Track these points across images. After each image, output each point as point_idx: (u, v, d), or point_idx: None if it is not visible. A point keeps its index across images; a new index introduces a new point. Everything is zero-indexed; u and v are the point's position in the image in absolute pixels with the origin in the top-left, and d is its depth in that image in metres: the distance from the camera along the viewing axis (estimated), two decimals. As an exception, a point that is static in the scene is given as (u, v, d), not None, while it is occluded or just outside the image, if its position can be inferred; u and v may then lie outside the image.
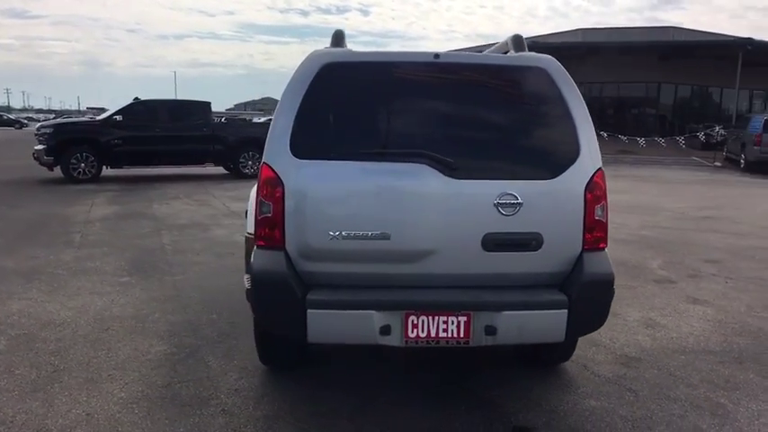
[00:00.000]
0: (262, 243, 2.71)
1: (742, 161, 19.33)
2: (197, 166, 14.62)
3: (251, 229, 2.96)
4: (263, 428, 2.86)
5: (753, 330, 4.37)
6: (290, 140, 2.66)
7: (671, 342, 4.11)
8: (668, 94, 32.25)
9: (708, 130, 24.69)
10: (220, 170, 14.97)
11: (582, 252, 2.72)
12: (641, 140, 24.57)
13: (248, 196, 3.29)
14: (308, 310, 2.57)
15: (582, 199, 2.70)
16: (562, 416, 3.05)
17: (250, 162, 14.43)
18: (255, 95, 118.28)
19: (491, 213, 2.64)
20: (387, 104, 2.76)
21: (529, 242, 2.67)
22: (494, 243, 2.65)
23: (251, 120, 28.81)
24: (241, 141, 14.47)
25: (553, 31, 35.57)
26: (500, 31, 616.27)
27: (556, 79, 2.74)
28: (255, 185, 2.81)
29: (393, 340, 2.63)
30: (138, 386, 3.30)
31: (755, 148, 18.11)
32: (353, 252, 2.66)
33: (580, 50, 28.90)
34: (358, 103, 2.75)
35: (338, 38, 2.97)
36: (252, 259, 2.71)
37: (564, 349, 3.41)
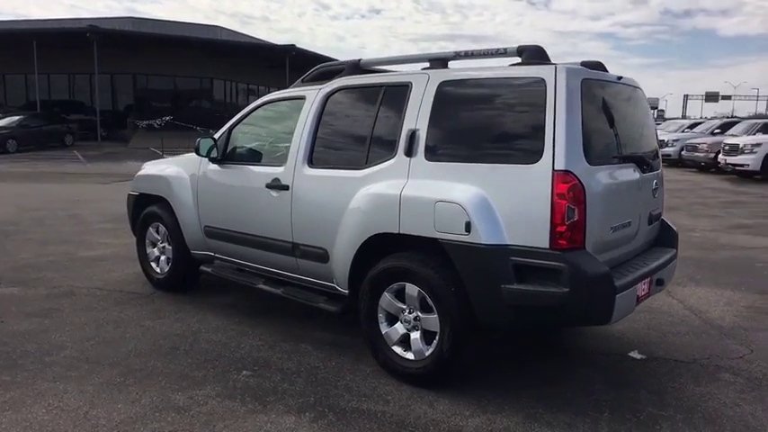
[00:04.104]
0: (566, 245, 2.84)
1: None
2: None
3: (506, 238, 2.96)
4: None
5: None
6: (583, 149, 2.89)
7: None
8: (221, 90, 34.74)
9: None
10: None
11: (661, 218, 3.96)
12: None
13: None
14: (617, 296, 2.94)
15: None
16: (635, 340, 4.23)
17: None
18: None
19: (650, 197, 3.58)
20: (612, 116, 3.25)
21: (659, 215, 3.74)
22: (652, 218, 3.60)
23: None
24: None
25: (101, 16, 32.74)
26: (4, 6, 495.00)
27: (644, 95, 3.83)
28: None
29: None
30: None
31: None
32: (616, 240, 3.14)
33: (136, 40, 28.04)
34: (599, 114, 3.15)
35: (543, 53, 3.18)
36: (569, 261, 2.80)
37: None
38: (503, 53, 3.36)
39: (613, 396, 3.32)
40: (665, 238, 3.89)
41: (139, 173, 5.42)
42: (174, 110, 28.66)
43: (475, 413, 3.11)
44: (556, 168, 2.86)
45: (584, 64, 3.69)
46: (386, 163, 3.48)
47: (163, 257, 5.20)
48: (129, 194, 5.49)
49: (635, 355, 3.94)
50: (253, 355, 3.85)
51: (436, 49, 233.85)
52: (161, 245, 5.20)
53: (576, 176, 2.86)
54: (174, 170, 4.98)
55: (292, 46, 28.45)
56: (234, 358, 3.78)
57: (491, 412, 3.12)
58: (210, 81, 33.36)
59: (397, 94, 3.56)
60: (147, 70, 30.76)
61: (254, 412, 3.10)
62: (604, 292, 2.89)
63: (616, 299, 2.94)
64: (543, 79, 2.99)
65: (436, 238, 3.17)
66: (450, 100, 3.32)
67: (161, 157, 22.98)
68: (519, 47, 3.28)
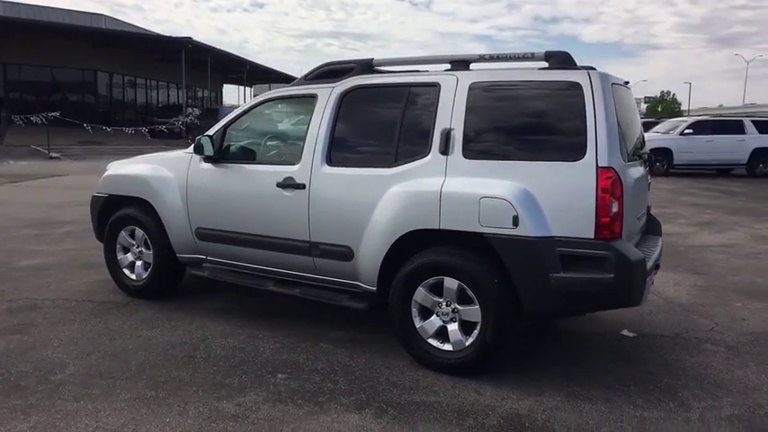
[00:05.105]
0: (608, 235, 3.11)
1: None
2: None
3: (571, 230, 3.18)
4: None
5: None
6: (619, 146, 3.18)
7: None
8: (105, 84, 32.23)
9: (173, 121, 26.87)
10: None
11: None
12: (109, 129, 24.40)
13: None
14: (647, 279, 3.27)
15: None
16: (618, 319, 4.64)
17: None
18: None
19: (647, 189, 3.98)
20: (626, 116, 3.56)
21: (650, 206, 4.16)
22: (647, 209, 4.01)
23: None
24: None
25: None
26: None
27: None
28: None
29: (647, 290, 3.63)
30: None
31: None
32: (636, 230, 3.47)
33: (7, 26, 25.34)
34: (621, 114, 3.42)
35: (570, 58, 3.41)
36: (614, 249, 3.08)
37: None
38: (530, 57, 3.57)
39: (629, 371, 3.67)
40: (651, 226, 4.33)
41: (108, 173, 5.03)
42: (52, 104, 26.29)
43: (521, 396, 3.30)
44: (599, 165, 3.12)
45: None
46: (419, 161, 3.56)
47: (139, 263, 4.87)
48: (95, 196, 5.08)
49: (627, 333, 4.35)
50: (277, 357, 3.76)
51: (322, 45, 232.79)
52: (137, 249, 4.87)
53: (616, 172, 3.14)
54: (155, 169, 4.69)
55: (189, 39, 27.14)
56: (259, 363, 3.68)
57: (535, 394, 3.33)
58: (94, 73, 30.86)
59: (425, 94, 3.65)
60: (19, 60, 27.84)
61: (313, 413, 3.07)
62: (641, 275, 3.21)
63: (646, 281, 3.28)
64: (579, 83, 3.24)
65: (481, 233, 3.31)
66: (484, 101, 3.47)
67: (47, 155, 21.15)
68: (546, 52, 3.50)
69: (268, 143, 4.45)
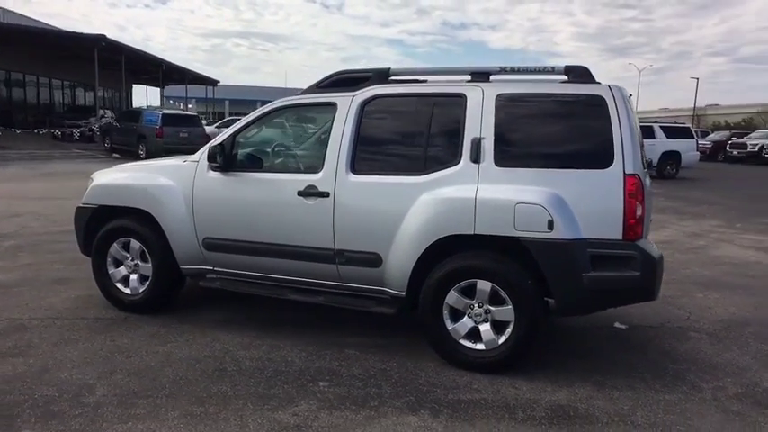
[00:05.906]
0: (633, 236, 3.41)
1: (142, 152, 21.43)
2: None
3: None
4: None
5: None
6: (639, 154, 3.50)
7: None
8: (3, 81, 29.64)
9: (86, 123, 25.25)
10: None
11: None
12: (18, 131, 22.61)
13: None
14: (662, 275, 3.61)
15: None
16: (606, 312, 5.01)
17: None
18: None
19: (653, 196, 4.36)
20: (636, 126, 3.88)
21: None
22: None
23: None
24: None
25: None
26: None
27: None
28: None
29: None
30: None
31: (158, 139, 20.66)
32: (648, 231, 3.80)
33: None
34: (635, 125, 3.75)
35: (588, 73, 3.67)
36: (640, 249, 3.38)
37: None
38: (549, 71, 3.82)
39: (636, 359, 4.02)
40: None
41: (96, 182, 4.77)
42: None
43: (555, 389, 3.54)
44: (626, 172, 3.42)
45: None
46: (450, 169, 3.71)
47: (134, 276, 4.66)
48: (81, 208, 4.79)
49: (619, 325, 4.73)
50: (310, 366, 3.77)
51: (230, 45, 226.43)
52: (132, 262, 4.65)
53: (639, 178, 3.45)
54: (154, 178, 4.52)
55: (102, 36, 25.57)
56: (295, 372, 3.67)
57: (566, 386, 3.58)
58: (-7, 72, 28.39)
59: (452, 105, 3.81)
60: None
61: (372, 417, 3.13)
62: (661, 272, 3.55)
63: (662, 277, 3.62)
64: (603, 97, 3.53)
65: (517, 237, 3.52)
66: (512, 111, 3.68)
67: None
68: (566, 67, 3.77)
69: (284, 151, 4.42)
